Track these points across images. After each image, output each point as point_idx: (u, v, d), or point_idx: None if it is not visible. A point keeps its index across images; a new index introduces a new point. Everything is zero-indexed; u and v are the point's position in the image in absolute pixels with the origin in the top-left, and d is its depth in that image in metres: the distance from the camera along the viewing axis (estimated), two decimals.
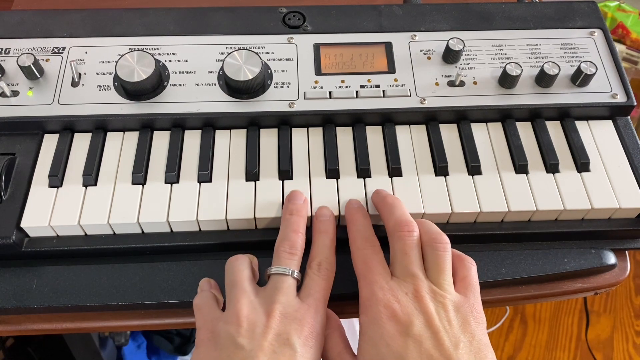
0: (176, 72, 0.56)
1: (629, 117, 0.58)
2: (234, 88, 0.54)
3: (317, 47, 0.58)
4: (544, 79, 0.56)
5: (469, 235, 0.51)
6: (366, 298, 0.43)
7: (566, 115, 0.57)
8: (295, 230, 0.47)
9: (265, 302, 0.42)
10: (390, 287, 0.43)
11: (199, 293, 0.47)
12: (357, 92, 0.55)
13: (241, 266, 0.45)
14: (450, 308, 0.42)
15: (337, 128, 0.55)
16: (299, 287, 0.45)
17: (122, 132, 0.54)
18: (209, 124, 0.55)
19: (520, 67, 0.55)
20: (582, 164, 0.53)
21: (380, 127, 0.56)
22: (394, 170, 0.52)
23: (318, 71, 0.57)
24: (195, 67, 0.56)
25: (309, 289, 0.44)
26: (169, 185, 0.51)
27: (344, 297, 0.49)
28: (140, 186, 0.51)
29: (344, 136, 0.55)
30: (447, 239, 0.45)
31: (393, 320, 0.41)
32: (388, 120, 0.56)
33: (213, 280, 0.48)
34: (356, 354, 0.43)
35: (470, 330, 0.41)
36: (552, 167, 0.53)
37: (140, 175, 0.51)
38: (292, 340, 0.40)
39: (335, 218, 0.49)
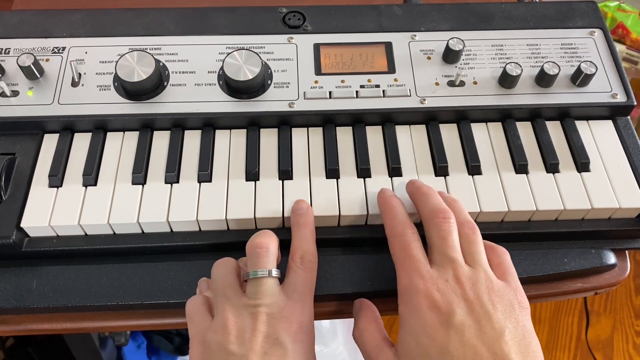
0: (176, 72, 0.56)
1: (629, 117, 0.58)
2: (234, 88, 0.54)
3: (317, 47, 0.58)
4: (544, 79, 0.56)
5: None
6: (405, 288, 0.42)
7: (566, 115, 0.57)
8: (263, 232, 0.45)
9: (249, 306, 0.42)
10: (430, 276, 0.41)
11: (191, 298, 0.46)
12: (357, 92, 0.55)
13: (223, 272, 0.44)
14: (493, 291, 0.41)
15: (337, 128, 0.55)
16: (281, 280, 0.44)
17: (122, 132, 0.54)
18: (209, 124, 0.55)
19: (520, 67, 0.55)
20: (582, 164, 0.53)
21: (380, 127, 0.55)
22: (394, 170, 0.52)
23: (318, 71, 0.57)
24: (195, 67, 0.56)
25: (294, 283, 0.44)
26: (169, 185, 0.51)
27: (345, 297, 0.50)
28: (140, 186, 0.51)
29: (344, 136, 0.55)
30: (474, 223, 0.45)
31: (434, 310, 0.40)
32: (388, 120, 0.56)
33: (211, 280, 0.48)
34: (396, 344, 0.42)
35: (515, 315, 0.40)
36: (552, 167, 0.53)
37: (140, 175, 0.51)
38: (282, 339, 0.40)
39: (312, 210, 0.49)
